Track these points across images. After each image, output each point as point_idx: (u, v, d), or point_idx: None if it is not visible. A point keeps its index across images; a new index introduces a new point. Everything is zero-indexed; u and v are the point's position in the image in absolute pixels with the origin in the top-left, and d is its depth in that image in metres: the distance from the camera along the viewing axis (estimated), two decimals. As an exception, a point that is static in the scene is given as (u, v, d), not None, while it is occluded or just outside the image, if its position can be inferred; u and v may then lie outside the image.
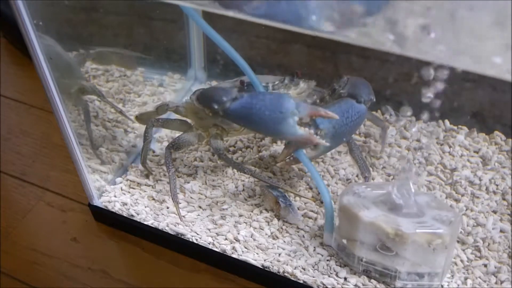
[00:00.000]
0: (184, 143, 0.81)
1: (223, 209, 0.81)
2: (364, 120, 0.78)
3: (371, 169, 0.85)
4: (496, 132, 0.93)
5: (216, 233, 0.77)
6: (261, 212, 0.80)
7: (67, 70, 0.85)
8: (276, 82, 0.77)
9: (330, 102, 0.77)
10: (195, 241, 0.77)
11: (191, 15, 0.69)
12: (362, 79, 0.78)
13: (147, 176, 0.87)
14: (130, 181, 0.86)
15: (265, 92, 0.70)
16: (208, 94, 0.72)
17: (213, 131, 0.81)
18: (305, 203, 0.81)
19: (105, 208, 0.83)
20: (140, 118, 0.91)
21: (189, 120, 0.86)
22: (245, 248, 0.76)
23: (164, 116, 0.90)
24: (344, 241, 0.71)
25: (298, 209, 0.80)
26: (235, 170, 0.86)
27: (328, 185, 0.84)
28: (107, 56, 0.97)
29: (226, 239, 0.77)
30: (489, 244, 0.75)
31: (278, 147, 0.92)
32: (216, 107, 0.70)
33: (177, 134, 0.92)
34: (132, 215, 0.81)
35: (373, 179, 0.86)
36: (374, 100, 0.77)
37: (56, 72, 0.78)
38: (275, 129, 0.67)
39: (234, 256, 0.75)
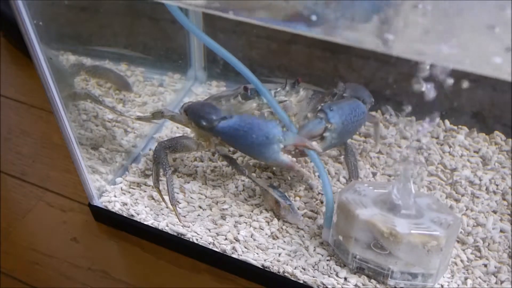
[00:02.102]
0: (181, 147, 0.80)
1: (223, 209, 0.81)
2: (364, 122, 0.80)
3: (360, 173, 0.85)
4: (496, 132, 0.93)
5: (216, 233, 0.77)
6: (261, 212, 0.80)
7: (56, 75, 0.84)
8: (278, 89, 0.77)
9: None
10: (195, 241, 0.77)
11: (192, 30, 0.70)
12: (358, 84, 0.81)
13: (147, 176, 0.87)
14: (130, 181, 0.86)
15: (254, 117, 0.71)
16: (197, 110, 0.74)
17: (215, 140, 0.80)
18: (305, 203, 0.81)
19: (105, 208, 0.83)
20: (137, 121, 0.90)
21: (189, 131, 0.86)
22: (245, 248, 0.76)
23: (160, 121, 0.90)
24: (340, 237, 0.71)
25: (298, 209, 0.80)
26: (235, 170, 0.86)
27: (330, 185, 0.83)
28: (104, 72, 0.97)
29: (226, 239, 0.77)
30: (489, 244, 0.75)
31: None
32: (204, 123, 0.72)
33: (177, 135, 0.93)
34: (132, 215, 0.81)
35: (374, 179, 0.86)
36: (374, 103, 0.80)
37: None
38: (260, 153, 0.69)
39: (234, 256, 0.75)
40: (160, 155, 0.78)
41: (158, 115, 0.85)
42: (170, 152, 0.79)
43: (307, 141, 0.70)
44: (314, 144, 0.70)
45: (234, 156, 0.90)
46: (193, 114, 0.74)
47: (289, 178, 0.86)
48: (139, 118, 0.90)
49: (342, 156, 0.90)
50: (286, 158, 0.69)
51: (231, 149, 0.91)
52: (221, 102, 0.79)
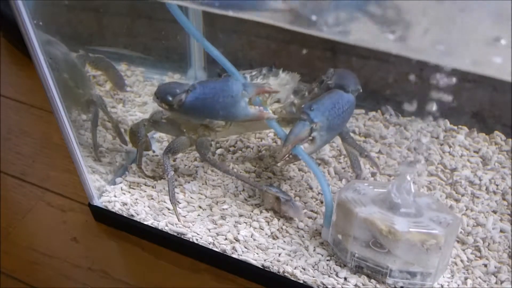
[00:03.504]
0: (179, 147, 0.81)
1: (223, 209, 0.81)
2: (354, 110, 0.78)
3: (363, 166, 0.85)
4: (496, 132, 0.93)
5: (216, 233, 0.77)
6: (261, 212, 0.80)
7: (82, 80, 0.85)
8: (254, 73, 0.77)
9: (319, 94, 0.77)
10: (195, 241, 0.77)
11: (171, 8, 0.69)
12: (347, 70, 0.79)
13: (150, 178, 0.86)
14: (130, 181, 0.86)
15: (212, 80, 0.71)
16: (162, 88, 0.74)
17: (201, 131, 0.81)
18: (305, 203, 0.81)
19: (105, 208, 0.83)
20: (134, 130, 0.86)
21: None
22: (245, 248, 0.76)
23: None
24: (339, 236, 0.71)
25: (298, 209, 0.80)
26: (235, 170, 0.86)
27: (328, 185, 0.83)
28: (105, 65, 0.97)
29: (226, 239, 0.77)
30: (489, 244, 0.75)
31: (278, 147, 0.92)
32: (170, 99, 0.71)
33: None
34: (132, 215, 0.81)
35: (374, 179, 0.86)
36: (361, 90, 0.77)
37: (72, 81, 0.79)
38: (230, 113, 0.70)
39: (234, 256, 0.75)
40: (163, 160, 0.79)
41: (158, 116, 0.84)
42: (172, 154, 0.80)
43: (266, 87, 0.70)
44: (272, 88, 0.71)
45: (234, 156, 0.90)
46: (160, 93, 0.74)
47: (289, 178, 0.86)
48: (134, 127, 0.86)
49: (343, 156, 0.90)
50: (254, 110, 0.70)
51: (225, 144, 0.91)
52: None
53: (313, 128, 0.71)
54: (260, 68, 0.77)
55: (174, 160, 0.89)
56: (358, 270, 0.70)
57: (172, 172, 0.78)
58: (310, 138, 0.72)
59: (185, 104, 0.71)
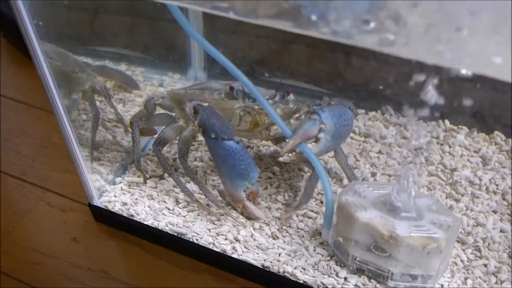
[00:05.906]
0: (168, 137, 0.82)
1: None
2: (351, 131, 0.83)
3: (358, 175, 0.86)
4: (496, 132, 0.93)
5: (216, 233, 0.77)
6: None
7: (77, 66, 0.86)
8: (266, 97, 0.77)
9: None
10: (195, 241, 0.77)
11: (188, 30, 0.70)
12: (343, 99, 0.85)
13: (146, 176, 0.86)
14: (130, 181, 0.86)
15: (249, 155, 0.75)
16: (213, 122, 0.74)
17: (191, 123, 0.81)
18: (305, 203, 0.82)
19: (105, 208, 0.83)
20: (132, 121, 0.87)
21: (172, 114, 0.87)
22: (245, 248, 0.76)
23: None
24: (340, 239, 0.71)
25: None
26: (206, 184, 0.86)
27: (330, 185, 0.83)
28: (111, 72, 0.98)
29: (226, 239, 0.77)
30: (489, 244, 0.75)
31: (278, 147, 0.92)
32: (213, 136, 0.74)
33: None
34: (132, 215, 0.81)
35: (374, 179, 0.86)
36: (356, 117, 0.84)
37: (69, 69, 0.79)
38: (234, 179, 0.75)
39: (234, 256, 0.75)
40: (157, 154, 0.81)
41: (150, 103, 0.85)
42: (162, 146, 0.81)
43: (256, 196, 0.78)
44: (258, 212, 0.78)
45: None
46: (207, 124, 0.74)
47: (289, 178, 0.86)
48: (132, 119, 0.86)
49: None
50: (244, 194, 0.77)
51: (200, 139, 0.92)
52: (205, 94, 0.79)
53: (321, 129, 0.73)
54: (274, 94, 0.78)
55: (174, 160, 0.89)
56: (359, 272, 0.70)
57: (170, 165, 0.80)
58: (316, 139, 0.73)
59: (221, 143, 0.74)
